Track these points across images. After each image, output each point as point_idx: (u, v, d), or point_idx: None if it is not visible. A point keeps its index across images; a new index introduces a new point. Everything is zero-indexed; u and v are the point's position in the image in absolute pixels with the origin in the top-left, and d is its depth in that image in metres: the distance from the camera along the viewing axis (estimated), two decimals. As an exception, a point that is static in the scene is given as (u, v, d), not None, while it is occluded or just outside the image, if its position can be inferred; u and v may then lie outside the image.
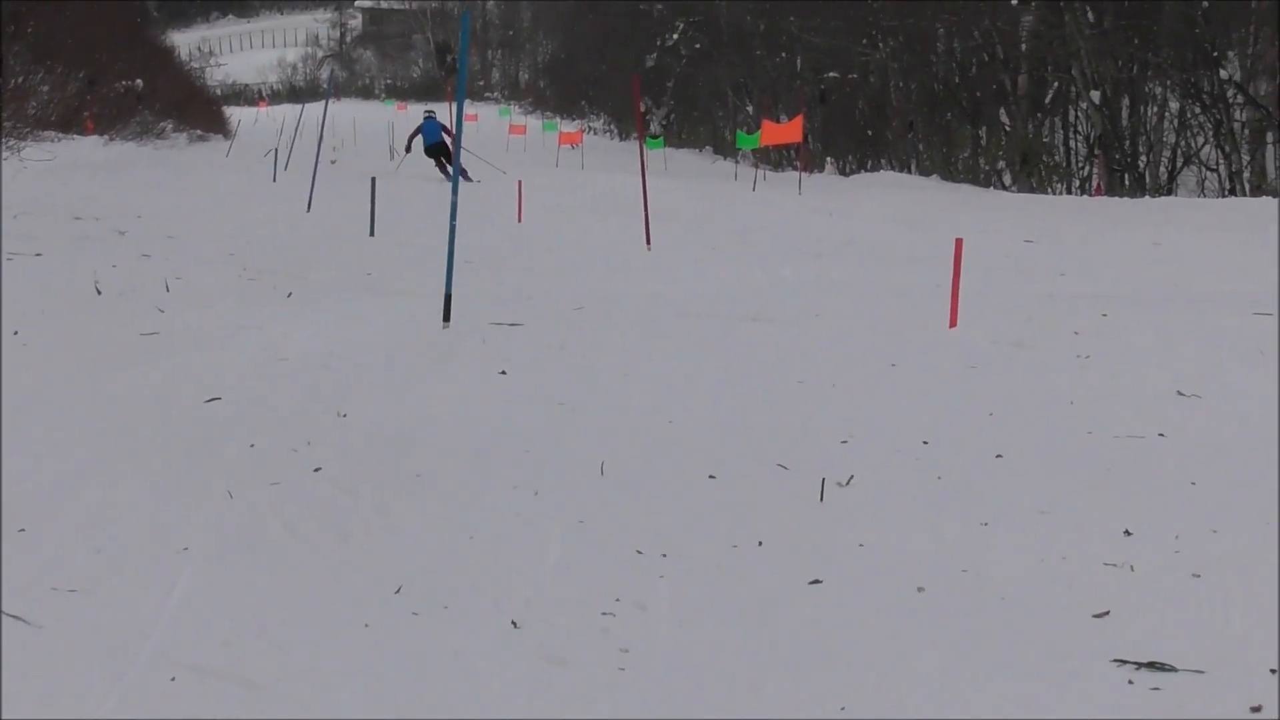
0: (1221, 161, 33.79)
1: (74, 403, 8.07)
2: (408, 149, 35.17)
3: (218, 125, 68.74)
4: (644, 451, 7.17)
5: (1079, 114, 38.96)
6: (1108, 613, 5.02)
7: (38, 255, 14.53)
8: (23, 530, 5.74)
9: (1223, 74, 32.78)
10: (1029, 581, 5.34)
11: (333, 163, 37.36)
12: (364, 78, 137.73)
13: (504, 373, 9.09)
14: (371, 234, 19.18)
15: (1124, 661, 4.60)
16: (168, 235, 17.72)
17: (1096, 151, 36.06)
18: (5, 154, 27.76)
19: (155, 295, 12.35)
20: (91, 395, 8.27)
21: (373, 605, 5.07)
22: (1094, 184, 35.51)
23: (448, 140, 34.57)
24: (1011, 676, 4.55)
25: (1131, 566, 5.46)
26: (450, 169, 35.29)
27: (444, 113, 37.44)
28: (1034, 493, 6.44)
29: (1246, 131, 33.17)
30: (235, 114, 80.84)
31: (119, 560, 5.46)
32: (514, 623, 4.92)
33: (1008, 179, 38.49)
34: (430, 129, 35.22)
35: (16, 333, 10.06)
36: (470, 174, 31.56)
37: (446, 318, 11.02)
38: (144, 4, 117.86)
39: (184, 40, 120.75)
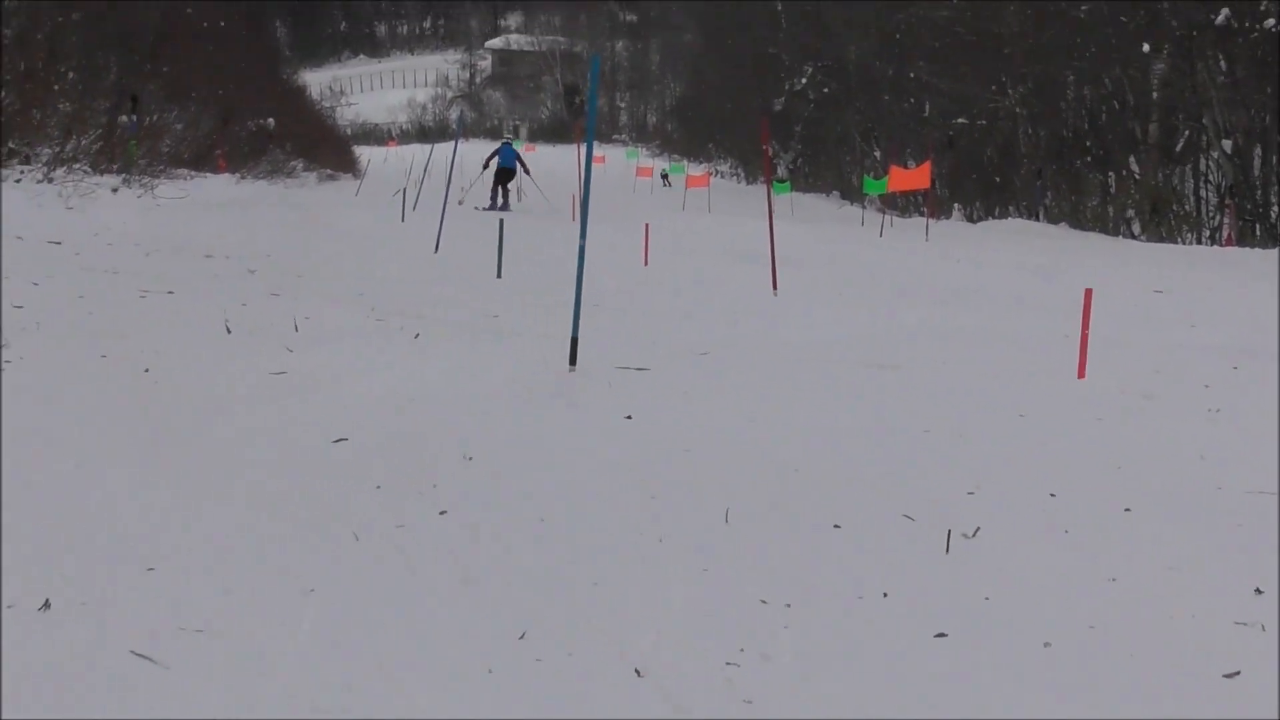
0: (1355, 211, 33.43)
1: (202, 441, 8.13)
2: (485, 166, 40.42)
3: (347, 164, 69.51)
4: (769, 499, 7.15)
5: (1210, 163, 38.62)
6: (1239, 673, 4.96)
7: (170, 293, 14.68)
8: (152, 569, 5.78)
9: (1357, 124, 32.44)
10: (1158, 639, 5.28)
11: (460, 203, 37.63)
12: (493, 118, 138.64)
13: (629, 417, 9.09)
14: (499, 276, 19.27)
15: (1255, 723, 4.54)
16: (296, 274, 17.88)
17: (1228, 201, 35.69)
18: (139, 191, 28.12)
19: (284, 334, 12.45)
20: (220, 433, 8.33)
21: (496, 650, 5.07)
22: (1225, 234, 35.17)
23: (519, 167, 40.60)
24: (1140, 736, 4.50)
25: (1263, 626, 5.39)
26: (507, 196, 40.47)
27: (571, 152, 39.10)
28: (1163, 548, 6.37)
29: (1381, 180, 32.82)
30: (365, 153, 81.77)
31: (245, 601, 5.48)
32: (637, 671, 4.91)
33: (1137, 228, 38.21)
34: (507, 153, 39.95)
35: (148, 370, 10.17)
36: (509, 203, 38.82)
37: (573, 361, 11.04)
38: (277, 43, 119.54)
39: (316, 79, 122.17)
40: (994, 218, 45.21)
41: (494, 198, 39.89)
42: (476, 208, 36.39)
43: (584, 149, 12.35)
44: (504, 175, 40.94)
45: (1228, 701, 4.77)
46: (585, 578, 5.85)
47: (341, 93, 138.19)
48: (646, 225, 24.55)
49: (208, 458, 7.73)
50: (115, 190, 26.92)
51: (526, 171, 41.90)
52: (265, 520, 6.58)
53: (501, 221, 20.51)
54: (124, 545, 6.07)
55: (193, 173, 37.67)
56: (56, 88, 29.54)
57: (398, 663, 4.95)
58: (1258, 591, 5.77)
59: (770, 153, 25.69)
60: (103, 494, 6.87)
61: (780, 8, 69.04)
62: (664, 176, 72.26)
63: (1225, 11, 34.48)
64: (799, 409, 9.65)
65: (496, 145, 37.96)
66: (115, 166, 29.83)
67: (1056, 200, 43.02)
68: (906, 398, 10.15)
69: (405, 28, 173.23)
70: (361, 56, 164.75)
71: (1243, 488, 7.47)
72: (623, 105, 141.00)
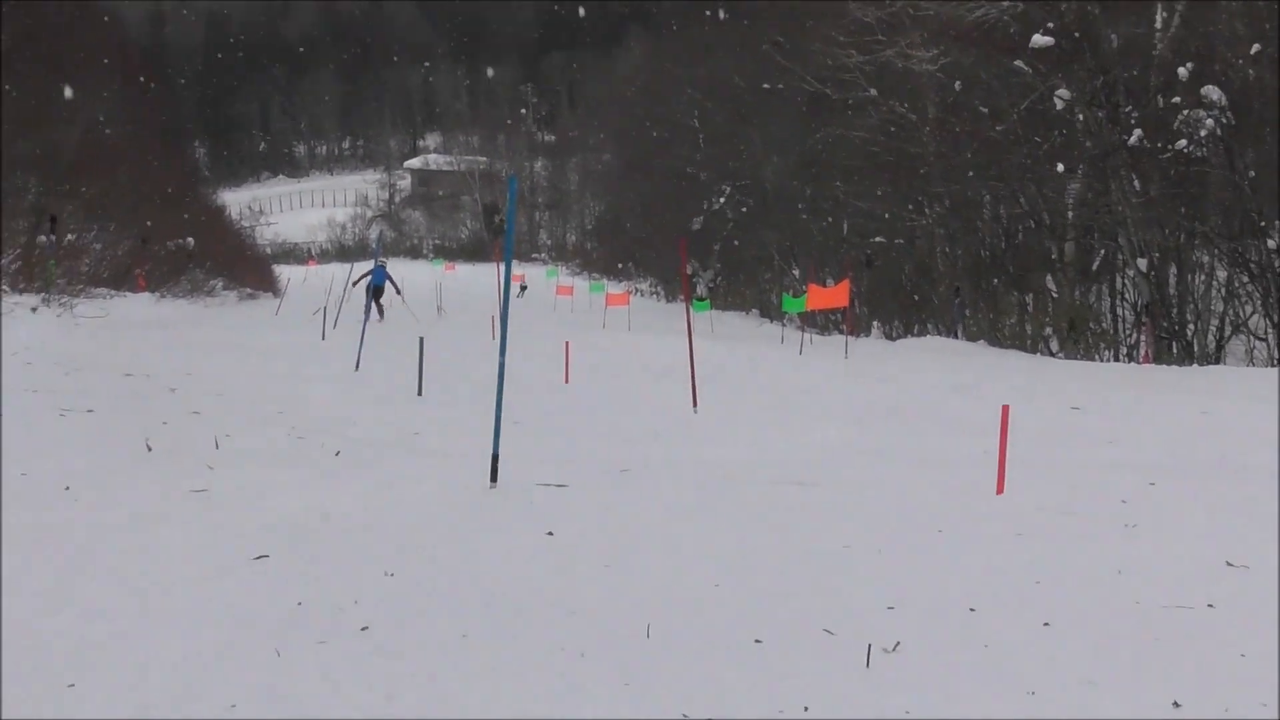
0: (1270, 330, 33.72)
1: (123, 558, 8.10)
2: (354, 284, 42.19)
3: (267, 283, 69.47)
4: (690, 614, 7.17)
5: (1126, 281, 38.98)
6: (1157, 785, 5.01)
7: (90, 411, 14.64)
8: (71, 685, 5.76)
9: (1270, 243, 32.80)
10: (1077, 752, 5.32)
11: (380, 321, 37.65)
12: (413, 238, 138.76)
13: (551, 534, 9.10)
14: (419, 394, 19.28)
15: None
16: (217, 393, 17.85)
17: (1144, 319, 36.04)
18: (58, 310, 28.03)
19: (205, 452, 12.44)
20: (140, 551, 8.30)
21: (419, 766, 5.07)
22: (1142, 351, 35.48)
23: (390, 287, 44.36)
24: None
25: (1180, 738, 5.45)
26: (379, 311, 42.83)
27: (491, 271, 39.71)
28: (1081, 662, 6.42)
29: (1295, 301, 33.17)
30: (285, 272, 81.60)
31: (167, 718, 5.47)
32: (560, 786, 4.93)
33: (1054, 345, 38.50)
34: (378, 274, 41.29)
35: (68, 488, 10.13)
36: (383, 315, 42.17)
37: (494, 478, 11.05)
38: (196, 163, 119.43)
39: (235, 199, 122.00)
40: (913, 335, 45.43)
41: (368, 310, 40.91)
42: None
43: (503, 268, 12.43)
44: (377, 292, 43.24)
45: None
46: (508, 693, 5.86)
47: (261, 212, 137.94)
48: (567, 343, 24.61)
49: (128, 574, 7.70)
50: (34, 309, 26.84)
51: (398, 291, 45.61)
52: (185, 636, 6.55)
53: (421, 340, 20.52)
54: (43, 660, 6.04)
55: (112, 292, 37.58)
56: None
57: (320, 781, 4.95)
58: (1175, 705, 5.82)
59: (689, 271, 25.83)
60: (22, 610, 6.83)
61: (698, 128, 69.49)
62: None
63: (1137, 133, 34.93)
64: (719, 525, 9.68)
65: (369, 266, 38.79)
66: (34, 286, 29.72)
67: (974, 318, 43.31)
68: (826, 515, 10.20)
69: (324, 148, 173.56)
70: (281, 176, 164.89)
71: (1160, 602, 7.53)
72: (542, 224, 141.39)
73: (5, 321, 23.14)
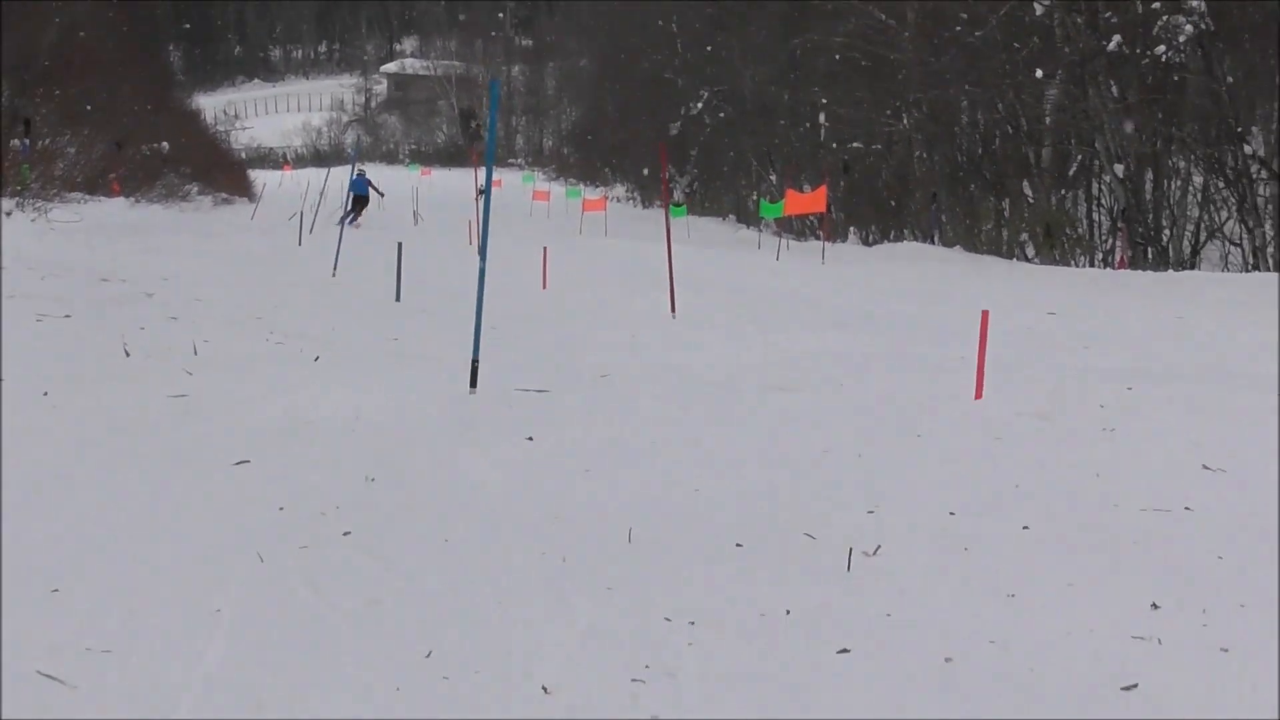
0: (1245, 237, 33.71)
1: (103, 465, 8.10)
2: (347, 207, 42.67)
3: (243, 189, 68.93)
4: (671, 519, 7.19)
5: (1102, 187, 38.92)
6: (1136, 685, 5.04)
7: (66, 317, 14.62)
8: (56, 590, 5.77)
9: (1246, 149, 32.79)
10: (1056, 653, 5.35)
11: (357, 226, 37.56)
12: (389, 143, 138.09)
13: (530, 439, 9.12)
14: (398, 299, 19.25)
15: (1152, 735, 4.61)
16: (195, 298, 17.80)
17: (1120, 225, 36.00)
18: (32, 215, 27.90)
19: (183, 358, 12.42)
20: (121, 457, 8.31)
21: (404, 669, 5.08)
22: (1117, 257, 35.49)
23: (374, 192, 46.69)
24: (1040, 748, 4.57)
25: (1159, 640, 5.47)
26: (355, 218, 43.11)
27: (467, 176, 39.64)
28: (1061, 565, 6.45)
29: (1270, 207, 33.12)
30: (261, 177, 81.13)
31: (151, 622, 5.48)
32: (544, 688, 4.94)
33: (1031, 251, 38.44)
34: (359, 184, 44.54)
35: (46, 394, 10.12)
36: (357, 221, 42.86)
37: (473, 384, 11.06)
38: (171, 68, 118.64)
39: (210, 104, 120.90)
40: (889, 241, 45.31)
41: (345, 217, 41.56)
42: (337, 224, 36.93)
43: (482, 173, 12.39)
44: (359, 202, 45.18)
45: (1125, 713, 4.84)
46: (490, 598, 5.88)
47: (236, 117, 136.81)
48: (545, 249, 24.56)
49: (109, 481, 7.71)
50: (8, 214, 26.68)
51: (380, 194, 48.50)
52: (169, 542, 6.57)
53: (400, 245, 20.46)
54: (27, 567, 6.05)
55: (86, 196, 37.33)
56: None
57: (305, 682, 4.96)
58: (1154, 606, 5.85)
59: (667, 177, 25.75)
60: (3, 516, 6.83)
61: (676, 33, 69.13)
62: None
63: (1116, 39, 34.80)
64: (699, 431, 9.70)
65: (352, 178, 42.05)
66: (8, 191, 29.55)
67: (951, 224, 43.23)
68: (805, 420, 10.21)
69: (300, 53, 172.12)
70: (256, 81, 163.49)
71: (1138, 505, 7.57)
72: (519, 129, 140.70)
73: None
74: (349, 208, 42.94)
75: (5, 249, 20.75)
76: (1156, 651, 5.38)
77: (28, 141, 32.70)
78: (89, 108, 40.27)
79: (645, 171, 75.28)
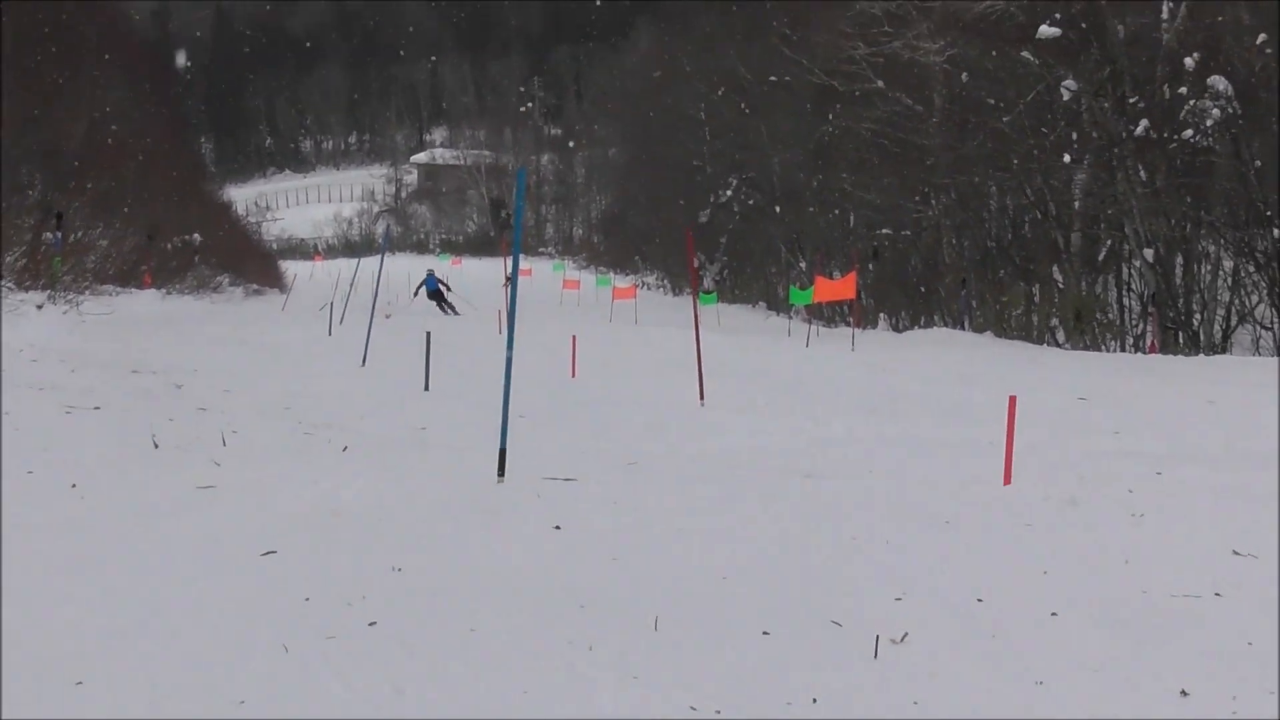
0: (1276, 320, 33.64)
1: (130, 555, 8.11)
2: (414, 295, 51.10)
3: (274, 279, 69.33)
4: (698, 606, 7.17)
5: (1132, 271, 38.90)
6: (1164, 773, 5.01)
7: (96, 409, 14.64)
8: (80, 683, 5.77)
9: (1276, 232, 32.73)
10: (1085, 741, 5.32)
11: (387, 318, 37.67)
12: (419, 232, 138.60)
13: (558, 527, 9.10)
14: (426, 389, 19.29)
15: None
16: (224, 389, 17.85)
17: (1150, 309, 35.96)
18: (64, 307, 28.04)
19: (212, 449, 12.44)
20: (148, 548, 8.31)
21: (428, 760, 5.07)
22: (1148, 342, 35.43)
23: (443, 289, 51.01)
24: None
25: (1188, 727, 5.45)
26: (447, 308, 49.55)
27: (497, 265, 40.79)
28: (1089, 651, 6.42)
29: (1301, 291, 33.10)
30: (291, 268, 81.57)
31: (176, 714, 5.47)
32: (569, 778, 4.93)
33: (1061, 336, 38.41)
34: (430, 282, 51.30)
35: (75, 485, 10.14)
36: (457, 309, 48.70)
37: (501, 472, 11.05)
38: (202, 159, 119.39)
39: (241, 195, 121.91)
40: (919, 327, 45.29)
41: (442, 308, 49.16)
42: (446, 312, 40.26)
43: (510, 262, 12.41)
44: (436, 296, 50.69)
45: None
46: (516, 686, 5.86)
47: (267, 208, 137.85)
48: (574, 337, 24.59)
49: (135, 571, 7.71)
50: (40, 307, 26.80)
51: (449, 289, 51.80)
52: (194, 633, 6.56)
53: (429, 334, 20.50)
54: (52, 659, 6.05)
55: (118, 289, 37.54)
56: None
57: (329, 774, 4.95)
58: (1183, 694, 5.82)
59: (696, 264, 25.83)
60: (29, 607, 6.84)
61: (704, 120, 69.31)
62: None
63: (1144, 123, 34.88)
64: (727, 518, 9.68)
65: (423, 276, 50.28)
66: (40, 283, 29.69)
67: (981, 309, 43.21)
68: (833, 506, 10.19)
69: (330, 144, 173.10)
70: (287, 172, 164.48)
71: (1167, 591, 7.54)
72: (549, 218, 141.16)
73: (10, 320, 23.14)
74: (441, 304, 49.47)
75: (38, 342, 20.87)
76: (1185, 738, 5.35)
77: (60, 234, 32.85)
78: (121, 200, 40.49)
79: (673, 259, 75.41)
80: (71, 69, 37.56)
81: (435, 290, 51.31)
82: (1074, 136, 38.41)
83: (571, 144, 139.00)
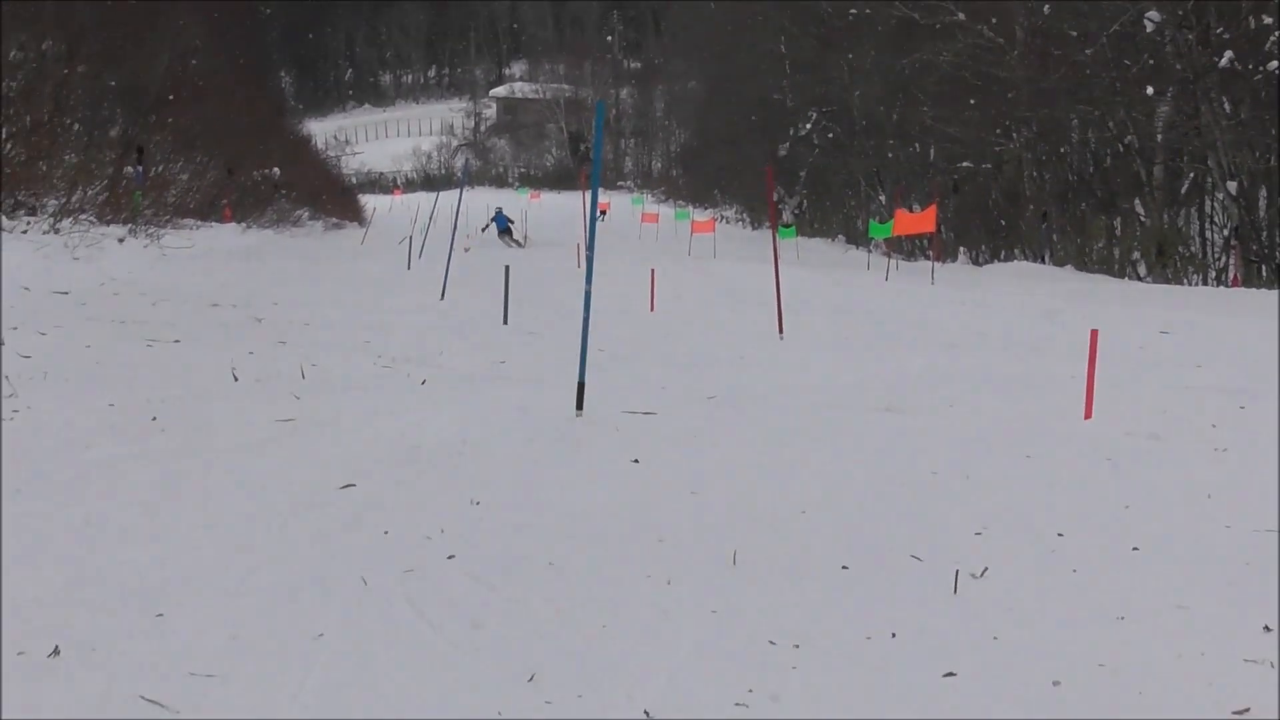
0: (1362, 252, 33.36)
1: (210, 489, 8.14)
2: (484, 229, 54.64)
3: (353, 213, 69.59)
4: (776, 541, 7.15)
5: (1215, 205, 38.60)
6: (1248, 710, 4.96)
7: (176, 342, 14.74)
8: (160, 615, 5.79)
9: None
10: (1167, 677, 5.27)
11: (466, 250, 37.73)
12: (498, 166, 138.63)
13: (637, 461, 9.09)
14: (505, 322, 19.31)
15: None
16: (304, 322, 17.92)
17: (1233, 242, 35.64)
18: (145, 241, 28.19)
19: (291, 382, 12.49)
20: (228, 481, 8.34)
21: (506, 694, 5.06)
22: (1230, 275, 35.15)
23: (511, 225, 55.92)
24: (1149, 774, 4.50)
25: (1271, 663, 5.39)
26: (512, 242, 53.94)
27: (576, 199, 42.10)
28: (1171, 587, 6.36)
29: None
30: (370, 202, 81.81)
31: (254, 646, 5.48)
32: (647, 713, 4.91)
33: (1143, 270, 38.13)
34: (500, 219, 55.85)
35: (155, 418, 10.19)
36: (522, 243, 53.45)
37: (580, 406, 11.03)
38: (282, 94, 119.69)
39: (321, 129, 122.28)
40: (999, 261, 45.10)
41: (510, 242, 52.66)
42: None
43: (589, 196, 12.38)
44: (506, 234, 55.19)
45: (1237, 738, 4.77)
46: (594, 621, 5.85)
47: (347, 142, 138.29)
48: (653, 271, 24.56)
49: (215, 504, 7.75)
50: (121, 240, 26.98)
51: (513, 224, 56.54)
52: (273, 565, 6.58)
53: (507, 268, 20.52)
54: (132, 591, 6.08)
55: (199, 222, 37.76)
56: (62, 140, 29.62)
57: (408, 707, 4.95)
58: (1266, 629, 5.76)
59: (775, 198, 25.73)
60: (111, 540, 6.89)
61: (784, 54, 68.93)
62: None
63: (1228, 54, 34.50)
64: (806, 452, 9.65)
65: (492, 214, 55.17)
66: (121, 217, 29.86)
67: (1062, 243, 42.98)
68: (913, 441, 10.14)
69: (410, 77, 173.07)
70: (366, 106, 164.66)
71: (1250, 526, 7.46)
72: (627, 152, 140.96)
73: (92, 253, 23.28)
74: (506, 238, 53.35)
75: (119, 275, 20.99)
76: (1269, 676, 5.29)
77: (141, 168, 33.01)
78: (201, 135, 40.65)
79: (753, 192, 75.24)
80: (150, 6, 37.63)
81: (505, 229, 55.53)
82: (1157, 68, 38.05)
83: (652, 77, 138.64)
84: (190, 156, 39.88)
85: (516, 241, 54.81)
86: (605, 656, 5.44)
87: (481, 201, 70.29)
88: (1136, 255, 38.85)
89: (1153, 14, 36.69)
